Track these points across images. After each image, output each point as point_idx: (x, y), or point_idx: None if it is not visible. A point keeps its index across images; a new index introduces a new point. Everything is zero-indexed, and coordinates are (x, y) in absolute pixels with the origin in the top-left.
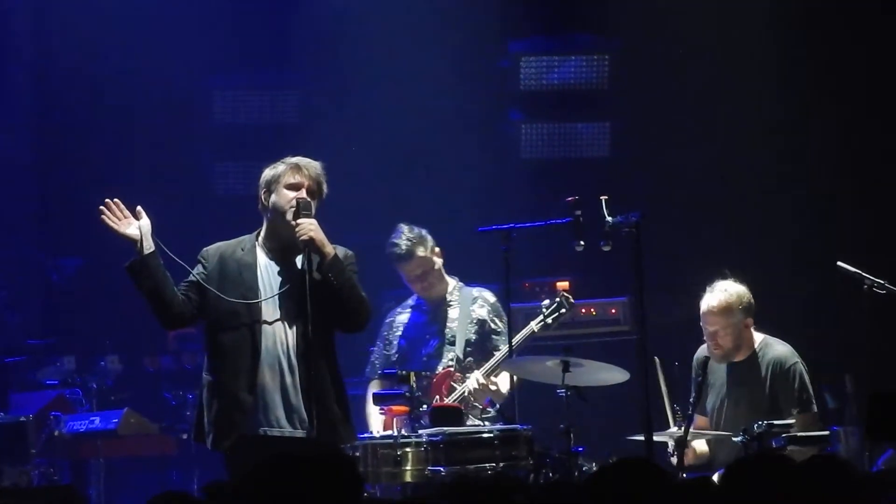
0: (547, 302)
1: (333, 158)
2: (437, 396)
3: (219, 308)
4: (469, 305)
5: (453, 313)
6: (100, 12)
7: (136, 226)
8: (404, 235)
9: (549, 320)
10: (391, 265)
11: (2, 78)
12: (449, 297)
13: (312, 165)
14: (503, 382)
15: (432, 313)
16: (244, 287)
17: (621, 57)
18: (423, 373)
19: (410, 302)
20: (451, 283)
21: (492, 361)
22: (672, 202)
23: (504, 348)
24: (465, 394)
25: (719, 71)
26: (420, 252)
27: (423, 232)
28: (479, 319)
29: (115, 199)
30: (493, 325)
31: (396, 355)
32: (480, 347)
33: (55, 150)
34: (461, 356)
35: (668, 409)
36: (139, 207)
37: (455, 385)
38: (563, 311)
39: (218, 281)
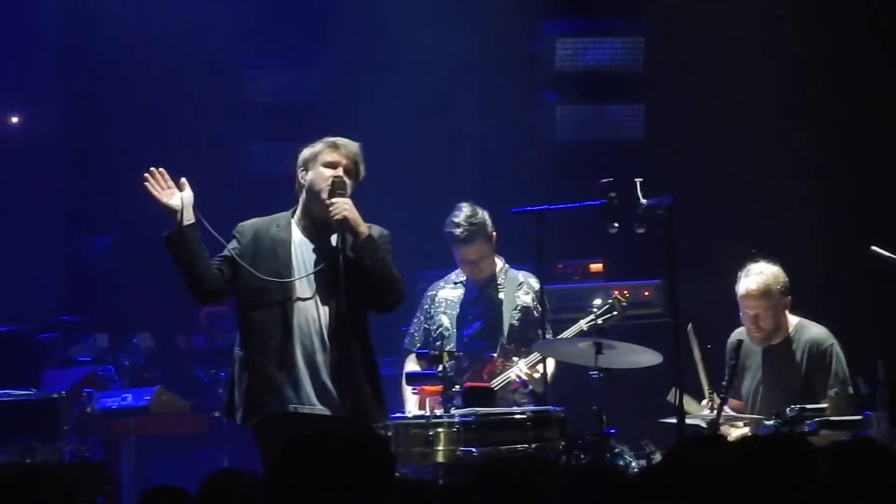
0: (599, 302)
1: (367, 138)
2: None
3: (251, 284)
4: (514, 290)
5: (499, 297)
6: None
7: (178, 196)
8: (467, 218)
9: (600, 321)
10: (445, 243)
11: (32, 53)
12: (498, 280)
13: (351, 145)
14: (546, 369)
15: (478, 293)
16: (278, 263)
17: (656, 39)
18: (458, 353)
19: (454, 277)
20: (499, 264)
21: (536, 354)
22: (706, 184)
23: (549, 336)
24: (507, 382)
25: (754, 53)
26: (480, 238)
27: (485, 215)
28: (523, 306)
29: (161, 169)
30: (536, 314)
31: (437, 331)
32: (522, 334)
33: (87, 126)
34: (504, 342)
35: (703, 377)
36: (183, 179)
37: (496, 373)
38: (615, 313)
39: (252, 257)
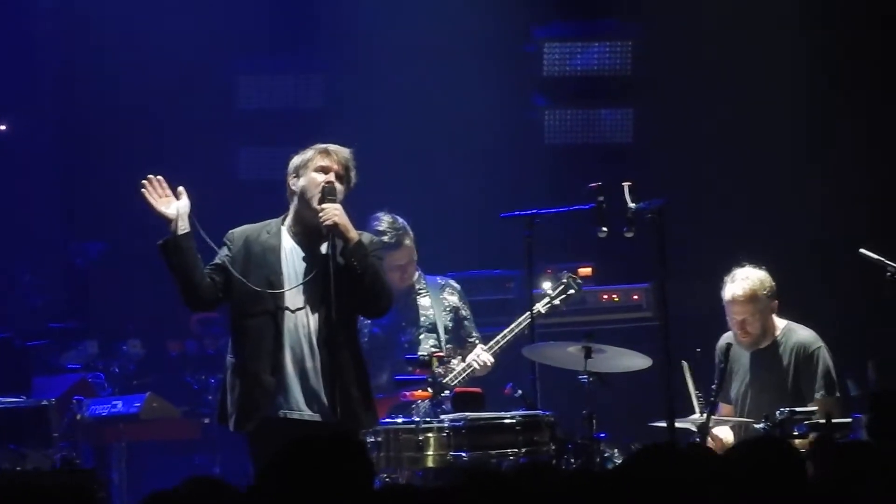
0: (549, 284)
1: (357, 143)
2: None
3: (242, 291)
4: (439, 293)
5: (425, 301)
6: None
7: (174, 205)
8: (390, 224)
9: (557, 301)
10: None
11: (26, 62)
12: (416, 286)
13: (342, 151)
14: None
15: (402, 301)
16: (268, 271)
17: (645, 43)
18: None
19: None
20: (415, 272)
21: (500, 337)
22: (695, 188)
23: (477, 334)
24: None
25: (743, 57)
26: (407, 242)
27: (406, 224)
28: (452, 307)
29: (159, 177)
30: (464, 312)
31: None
32: (456, 334)
33: (79, 133)
34: (443, 343)
35: (694, 399)
36: (181, 188)
37: (442, 372)
38: (572, 292)
39: (242, 264)
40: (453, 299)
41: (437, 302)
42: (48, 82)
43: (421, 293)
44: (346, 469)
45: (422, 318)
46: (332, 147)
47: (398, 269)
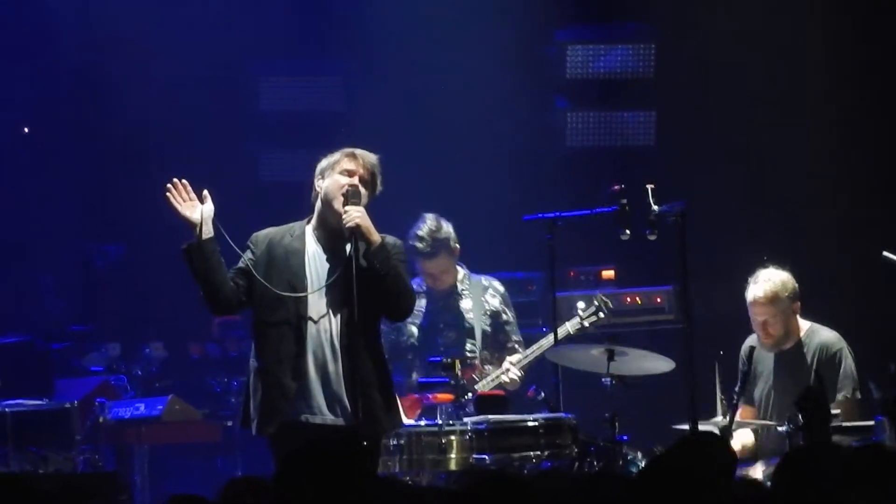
0: (583, 304)
1: (377, 146)
2: None
3: (265, 294)
4: (481, 295)
5: (466, 304)
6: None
7: (198, 209)
8: (430, 233)
9: (586, 323)
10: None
11: (45, 65)
12: (460, 286)
13: (369, 156)
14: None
15: (443, 301)
16: (291, 274)
17: (667, 45)
18: (471, 359)
19: (415, 287)
20: (460, 272)
21: (529, 353)
22: (717, 190)
23: (518, 338)
24: (499, 385)
25: (766, 59)
26: (443, 253)
27: (449, 229)
28: (492, 311)
29: (183, 181)
30: (505, 317)
31: (408, 341)
32: (494, 339)
33: (99, 136)
34: (480, 347)
35: (718, 401)
36: (205, 192)
37: (476, 378)
38: (602, 315)
39: (265, 267)
40: (494, 302)
41: (478, 305)
42: (69, 85)
43: (464, 294)
44: (347, 473)
45: (463, 322)
46: (359, 151)
47: (430, 276)
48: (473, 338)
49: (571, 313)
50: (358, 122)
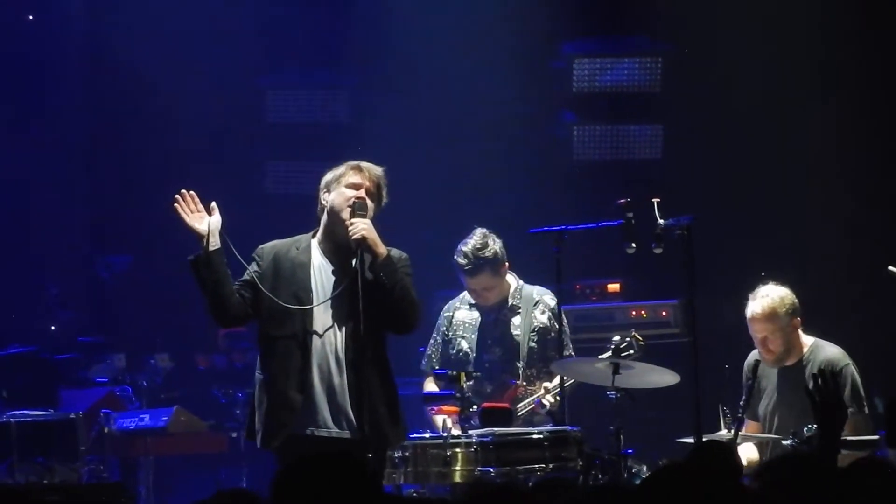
0: (618, 339)
1: (385, 158)
2: None
3: (271, 307)
4: (531, 311)
5: (516, 320)
6: (154, 11)
7: (206, 221)
8: (474, 250)
9: (617, 359)
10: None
11: (54, 76)
12: (511, 301)
13: (374, 169)
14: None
15: (494, 317)
16: (297, 286)
17: (674, 59)
18: (476, 374)
19: (468, 298)
20: (512, 283)
21: (557, 385)
22: (724, 205)
23: (568, 352)
24: (534, 410)
25: (771, 73)
26: (486, 271)
27: (496, 246)
28: (540, 327)
29: (191, 192)
30: (553, 335)
31: (458, 355)
32: (542, 355)
33: (107, 146)
34: (526, 367)
35: (721, 415)
36: (213, 203)
37: (519, 398)
38: (633, 352)
39: (272, 279)
40: (543, 318)
41: (527, 322)
42: (77, 95)
43: (514, 309)
44: (347, 486)
45: (511, 339)
46: (364, 164)
47: (474, 292)
48: (519, 356)
49: (603, 329)
50: (365, 135)
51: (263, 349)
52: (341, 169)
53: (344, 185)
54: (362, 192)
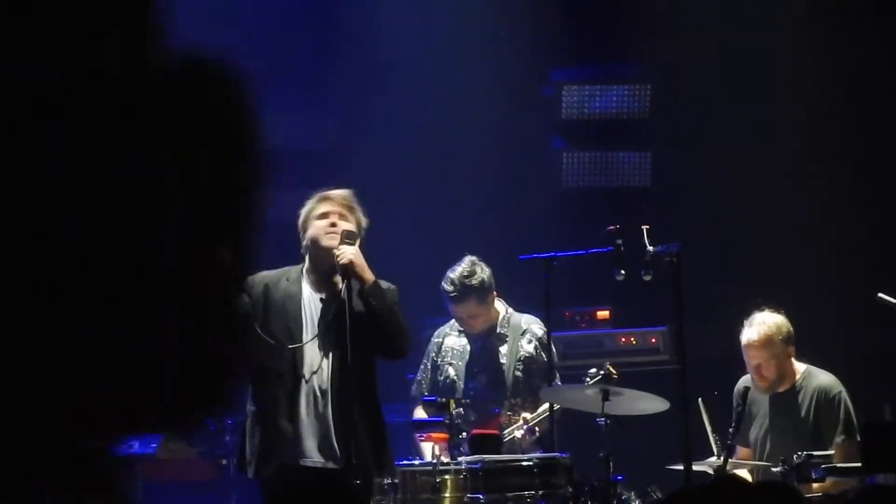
0: (593, 371)
1: (371, 185)
2: None
3: (260, 339)
4: (517, 340)
5: (503, 348)
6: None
7: None
8: (461, 277)
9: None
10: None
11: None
12: (499, 329)
13: (338, 193)
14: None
15: (481, 342)
16: (288, 319)
17: (663, 86)
18: (465, 400)
19: (458, 325)
20: (501, 311)
21: (540, 411)
22: (713, 232)
23: (557, 383)
24: (514, 440)
25: (762, 100)
26: (471, 299)
27: (483, 275)
28: (526, 357)
29: None
30: (536, 366)
31: (445, 382)
32: (527, 385)
33: None
34: (510, 396)
35: (712, 440)
36: None
37: (502, 427)
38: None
39: (262, 311)
40: (529, 348)
41: (514, 351)
42: None
43: (502, 338)
44: None
45: (497, 368)
46: (329, 193)
47: (460, 319)
48: (504, 385)
49: (593, 356)
50: (350, 160)
51: (254, 381)
52: (308, 205)
53: (315, 219)
54: (335, 219)
